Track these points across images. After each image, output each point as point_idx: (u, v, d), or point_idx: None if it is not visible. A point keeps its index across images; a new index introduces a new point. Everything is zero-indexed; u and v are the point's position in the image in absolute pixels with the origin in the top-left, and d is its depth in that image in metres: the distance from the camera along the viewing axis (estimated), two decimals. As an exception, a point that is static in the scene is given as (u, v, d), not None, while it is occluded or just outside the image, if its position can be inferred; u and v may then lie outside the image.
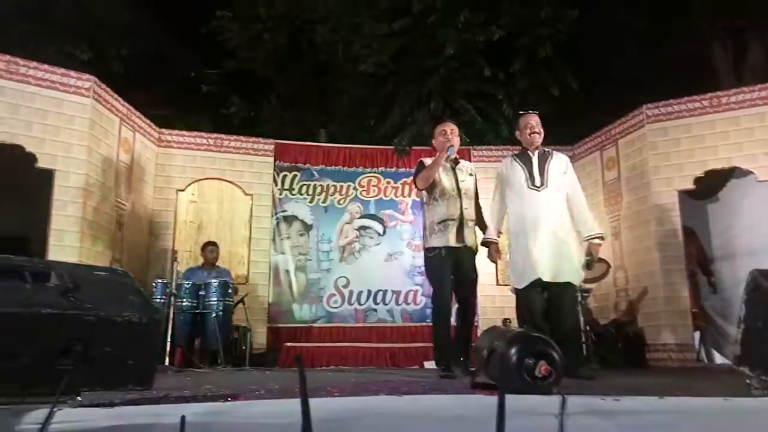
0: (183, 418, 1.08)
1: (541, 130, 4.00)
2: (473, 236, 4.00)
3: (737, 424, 1.83)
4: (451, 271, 3.91)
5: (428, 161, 4.09)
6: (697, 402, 1.97)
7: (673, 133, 5.95)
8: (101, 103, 5.61)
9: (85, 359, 2.03)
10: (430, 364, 5.10)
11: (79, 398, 1.98)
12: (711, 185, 6.07)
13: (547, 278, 3.72)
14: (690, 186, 5.82)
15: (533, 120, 4.01)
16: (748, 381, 2.35)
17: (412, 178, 4.20)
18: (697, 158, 5.80)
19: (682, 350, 5.58)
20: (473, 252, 4.00)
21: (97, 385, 2.09)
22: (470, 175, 4.15)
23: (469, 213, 3.99)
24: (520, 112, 4.19)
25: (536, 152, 3.99)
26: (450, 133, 4.08)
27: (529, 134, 3.98)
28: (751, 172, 5.58)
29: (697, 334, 5.82)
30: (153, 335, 2.23)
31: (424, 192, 4.06)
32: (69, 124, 5.30)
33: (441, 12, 7.63)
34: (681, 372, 4.83)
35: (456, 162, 4.10)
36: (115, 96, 5.85)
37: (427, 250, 3.99)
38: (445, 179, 3.99)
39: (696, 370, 5.14)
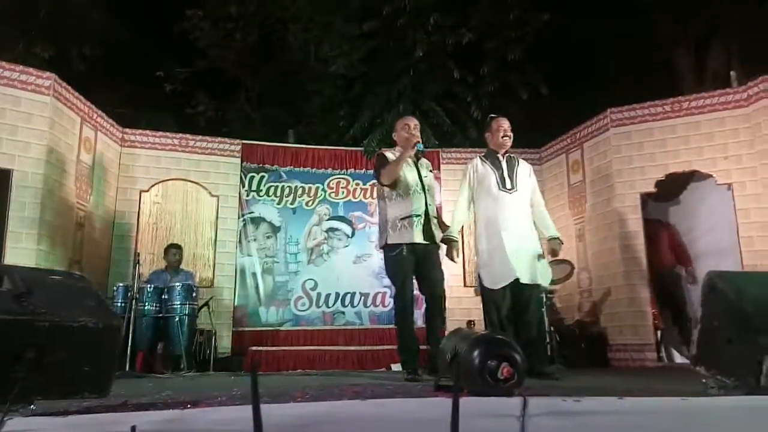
0: (133, 428, 1.04)
1: (512, 135, 4.05)
2: (438, 233, 3.95)
3: (694, 423, 1.87)
4: (413, 269, 3.84)
5: (389, 154, 4.00)
6: (655, 402, 2.01)
7: (636, 137, 6.08)
8: (62, 101, 5.46)
9: (38, 366, 1.97)
10: (397, 367, 5.09)
11: (32, 407, 1.92)
12: (672, 188, 6.20)
13: (524, 280, 3.77)
14: (652, 189, 5.95)
15: (506, 123, 4.05)
16: (704, 380, 2.42)
17: (373, 172, 4.06)
18: (658, 162, 5.94)
19: (642, 350, 5.70)
20: (438, 249, 3.95)
21: (51, 393, 2.03)
22: (430, 171, 4.12)
23: (433, 209, 3.96)
24: (492, 115, 4.22)
25: (504, 156, 4.04)
26: (413, 128, 4.00)
27: (501, 137, 4.01)
28: (711, 176, 5.74)
29: (657, 334, 5.94)
30: (110, 341, 2.17)
31: (384, 187, 3.95)
32: (27, 122, 5.14)
33: (410, 14, 7.66)
34: (642, 371, 4.94)
35: (418, 157, 4.02)
36: (76, 94, 5.70)
37: (388, 248, 3.87)
38: (409, 174, 3.91)
39: (656, 369, 5.26)
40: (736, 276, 2.66)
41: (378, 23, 7.81)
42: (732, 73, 6.55)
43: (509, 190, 3.92)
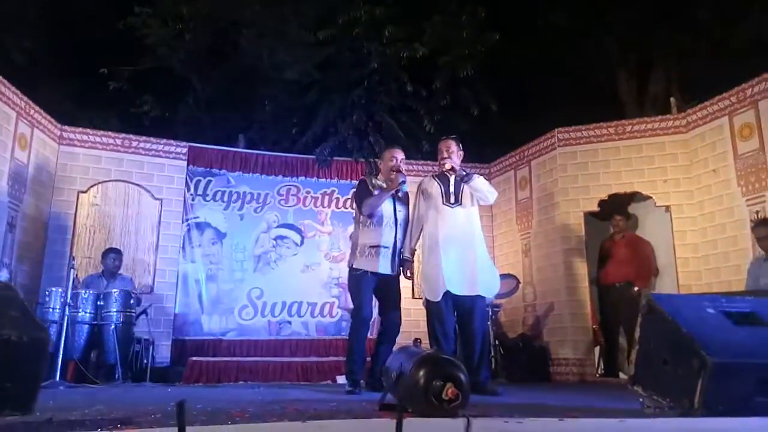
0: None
1: (452, 156, 4.08)
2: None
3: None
4: (374, 292, 4.03)
5: (376, 183, 4.12)
6: (594, 423, 2.04)
7: (581, 157, 6.25)
8: (-4, 94, 5.17)
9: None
10: (342, 379, 5.03)
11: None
12: (614, 208, 6.38)
13: (457, 292, 3.83)
14: (595, 208, 6.13)
15: (443, 146, 4.15)
16: (641, 400, 2.47)
17: (353, 196, 4.22)
18: (602, 182, 6.13)
19: (583, 364, 5.84)
20: (399, 279, 4.12)
21: (-35, 410, 1.89)
22: (405, 205, 4.23)
23: (402, 243, 4.10)
24: (443, 138, 4.29)
25: (453, 174, 4.08)
26: (400, 161, 4.14)
27: (440, 160, 4.13)
28: (650, 197, 5.97)
29: (597, 350, 6.09)
30: (36, 355, 2.04)
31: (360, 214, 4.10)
32: (-44, 115, 4.85)
33: (366, 25, 7.65)
34: (581, 387, 5.04)
35: (397, 190, 4.12)
36: (13, 89, 5.41)
37: (353, 269, 4.05)
38: (386, 207, 4.05)
39: (595, 384, 5.39)
40: (672, 298, 2.75)
41: (333, 31, 7.77)
42: (672, 99, 6.82)
43: (452, 204, 3.99)
